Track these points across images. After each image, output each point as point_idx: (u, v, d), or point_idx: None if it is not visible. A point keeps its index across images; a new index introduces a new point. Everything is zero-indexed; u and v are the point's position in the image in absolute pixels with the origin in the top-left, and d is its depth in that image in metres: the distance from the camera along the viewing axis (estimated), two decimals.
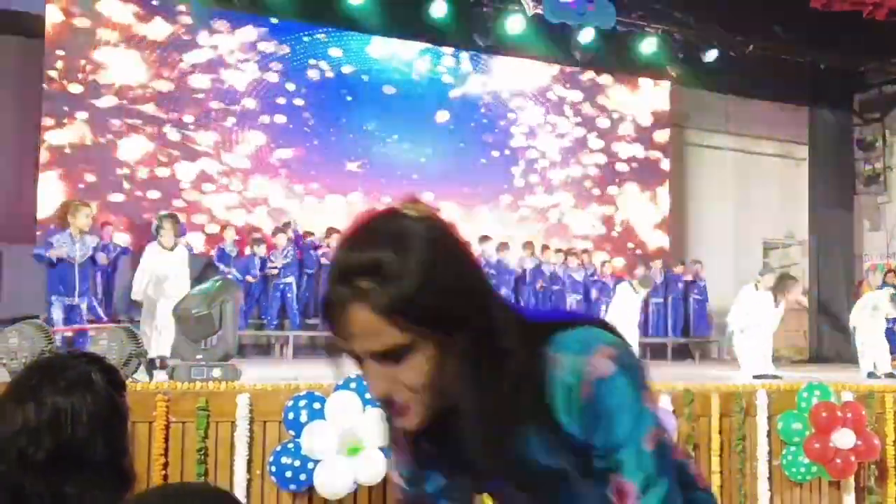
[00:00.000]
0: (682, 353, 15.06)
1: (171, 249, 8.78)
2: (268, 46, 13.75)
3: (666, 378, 8.83)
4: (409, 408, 1.29)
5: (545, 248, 14.51)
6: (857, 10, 11.43)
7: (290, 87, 13.87)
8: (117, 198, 12.61)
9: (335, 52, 14.24)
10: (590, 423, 1.28)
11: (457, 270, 1.27)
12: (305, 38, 14.04)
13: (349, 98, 14.22)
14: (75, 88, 12.44)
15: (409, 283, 1.21)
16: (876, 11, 11.36)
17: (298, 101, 13.91)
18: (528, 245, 14.53)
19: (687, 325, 15.24)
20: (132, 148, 12.77)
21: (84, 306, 8.71)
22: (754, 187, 17.27)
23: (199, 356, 5.87)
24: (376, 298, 1.21)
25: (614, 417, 1.28)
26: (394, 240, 1.24)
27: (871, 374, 9.64)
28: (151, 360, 7.39)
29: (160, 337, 8.19)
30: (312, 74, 14.05)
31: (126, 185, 12.71)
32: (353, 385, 5.37)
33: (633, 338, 11.20)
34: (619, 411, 1.28)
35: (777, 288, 10.11)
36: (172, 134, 13.05)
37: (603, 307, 13.65)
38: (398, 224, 1.26)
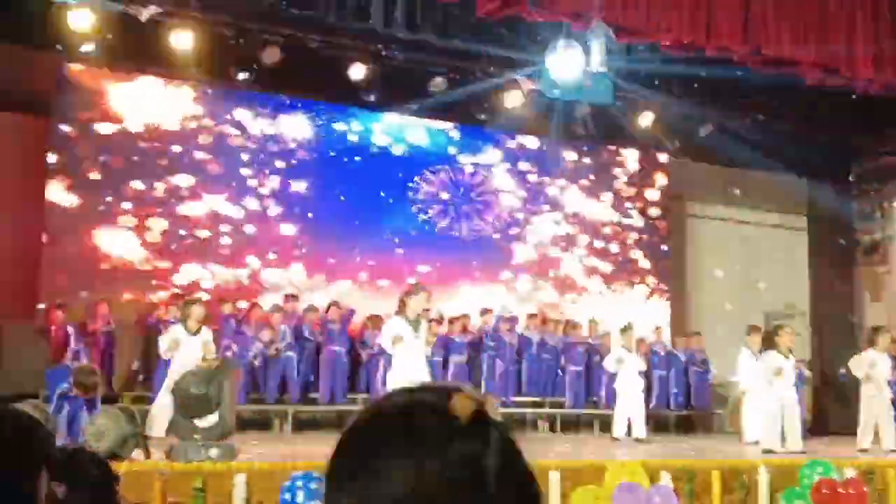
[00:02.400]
0: (685, 426, 14.94)
1: (195, 333, 8.84)
2: (263, 122, 13.98)
3: (669, 452, 8.81)
4: None
5: (545, 320, 14.55)
6: (849, 85, 11.59)
7: (280, 164, 14.00)
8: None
9: (334, 126, 14.44)
10: None
11: None
12: (303, 113, 14.26)
13: (345, 172, 14.35)
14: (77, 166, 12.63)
15: None
16: (870, 87, 11.53)
17: (296, 176, 14.06)
18: (532, 316, 14.57)
19: (689, 398, 15.17)
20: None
21: None
22: (755, 258, 17.32)
23: (196, 435, 5.85)
24: None
25: None
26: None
27: (863, 450, 9.51)
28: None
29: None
30: (308, 150, 14.21)
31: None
32: None
33: (637, 406, 11.16)
34: None
35: (767, 340, 10.10)
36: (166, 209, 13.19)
37: (604, 377, 13.63)
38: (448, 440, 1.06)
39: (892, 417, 10.05)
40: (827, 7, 10.59)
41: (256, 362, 12.30)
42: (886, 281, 17.02)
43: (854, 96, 12.48)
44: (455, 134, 15.29)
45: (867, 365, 10.15)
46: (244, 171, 13.72)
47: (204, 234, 13.33)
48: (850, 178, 17.36)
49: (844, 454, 8.38)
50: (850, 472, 6.94)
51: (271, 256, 13.75)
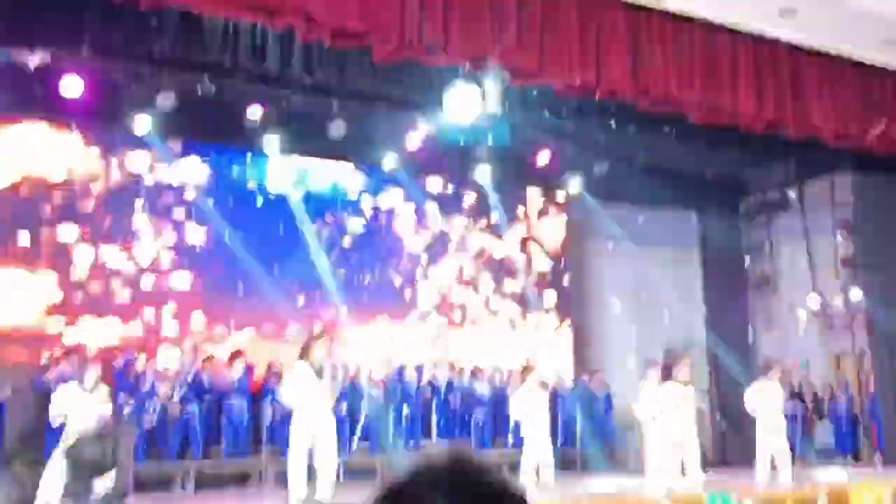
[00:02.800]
0: (591, 464, 15.02)
1: (92, 391, 8.51)
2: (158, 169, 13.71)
3: (577, 492, 8.84)
4: None
5: (452, 366, 14.59)
6: (734, 122, 11.97)
7: (176, 211, 13.72)
8: None
9: (233, 171, 14.25)
10: None
11: None
12: (199, 158, 14.03)
13: (244, 217, 14.12)
14: None
15: None
16: (753, 124, 11.92)
17: (193, 222, 13.79)
18: (439, 363, 14.57)
19: (595, 435, 15.31)
20: None
21: None
22: (652, 293, 17.68)
23: (91, 498, 5.60)
24: None
25: None
26: None
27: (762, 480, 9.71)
28: None
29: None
30: (206, 196, 13.96)
31: None
32: None
33: (544, 442, 11.16)
34: None
35: (665, 371, 10.27)
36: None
37: (511, 422, 13.66)
38: None
39: (787, 448, 10.29)
40: (714, 48, 10.93)
41: (154, 417, 11.89)
42: (777, 311, 17.58)
43: (740, 133, 12.93)
44: (355, 177, 15.24)
45: (758, 396, 10.39)
46: (137, 219, 13.38)
47: (95, 287, 12.92)
48: (741, 212, 17.94)
49: (744, 485, 8.53)
50: (749, 503, 7.07)
51: (168, 308, 13.39)
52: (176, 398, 12.05)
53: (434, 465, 1.30)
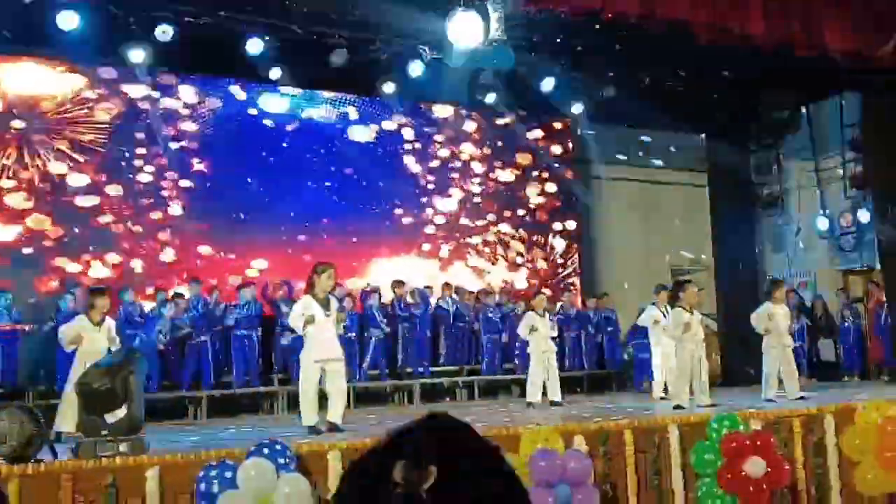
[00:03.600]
0: (598, 386, 15.23)
1: (99, 325, 8.60)
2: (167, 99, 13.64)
3: (584, 414, 8.96)
4: None
5: (458, 289, 14.66)
6: (743, 43, 11.81)
7: (177, 144, 13.68)
8: None
9: (235, 101, 14.16)
10: None
11: None
12: (206, 88, 13.95)
13: (247, 149, 14.10)
14: None
15: None
16: (761, 44, 11.77)
17: (196, 155, 13.76)
18: (446, 286, 14.63)
19: (602, 357, 15.48)
20: None
21: None
22: (659, 216, 17.70)
23: (104, 431, 5.71)
24: None
25: None
26: None
27: (769, 400, 9.80)
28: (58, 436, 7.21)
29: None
30: (209, 128, 13.91)
31: None
32: (265, 451, 5.30)
33: (551, 370, 11.30)
34: None
35: (673, 296, 10.33)
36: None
37: (517, 343, 13.79)
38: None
39: (794, 367, 10.38)
40: None
41: (164, 339, 12.04)
42: (785, 233, 17.56)
43: (748, 53, 12.75)
44: (358, 106, 15.14)
45: (767, 318, 10.43)
46: (139, 152, 13.35)
47: (104, 219, 12.96)
48: (750, 133, 17.78)
49: (751, 406, 8.62)
50: (756, 424, 7.15)
51: (170, 239, 13.44)
52: (186, 329, 12.18)
53: (411, 430, 1.36)
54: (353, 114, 15.10)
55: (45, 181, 12.61)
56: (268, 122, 14.37)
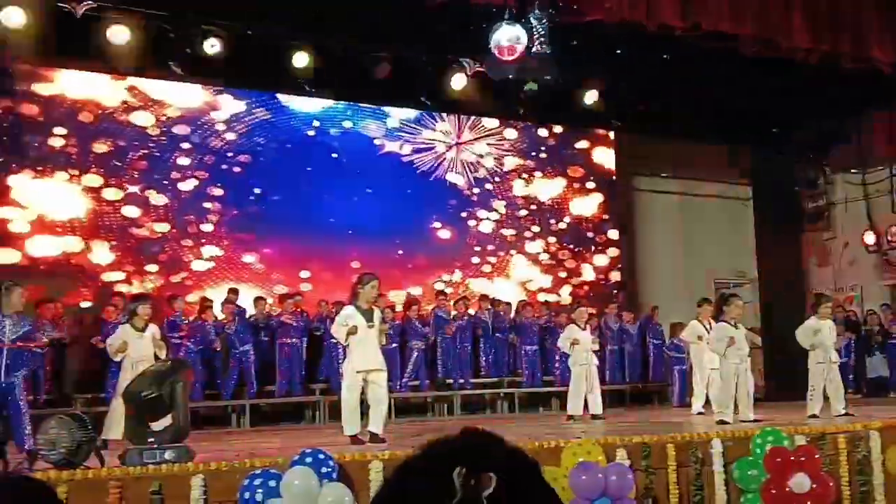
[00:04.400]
0: (640, 399, 15.14)
1: (142, 332, 8.72)
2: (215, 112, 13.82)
3: (625, 427, 8.92)
4: None
5: (494, 300, 14.67)
6: (790, 56, 11.73)
7: (230, 153, 13.86)
8: None
9: (279, 115, 14.31)
10: None
11: None
12: (249, 102, 14.12)
13: (296, 161, 14.26)
14: None
15: None
16: (808, 57, 11.68)
17: (239, 166, 13.91)
18: (485, 298, 14.65)
19: (646, 371, 15.38)
20: None
21: None
22: (703, 230, 17.56)
23: (150, 439, 5.80)
24: None
25: None
26: None
27: (813, 416, 9.67)
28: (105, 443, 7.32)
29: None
30: (256, 139, 14.07)
31: None
32: (308, 460, 5.35)
33: (592, 383, 11.27)
34: None
35: (717, 310, 10.23)
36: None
37: (557, 356, 13.76)
38: None
39: (840, 383, 10.23)
40: None
41: (217, 347, 12.22)
42: (831, 246, 17.35)
43: (795, 63, 12.65)
44: (401, 118, 15.23)
45: (812, 333, 10.31)
46: (181, 162, 13.52)
47: (143, 232, 13.14)
48: (794, 146, 17.62)
49: (796, 421, 8.53)
50: (801, 440, 7.07)
51: (216, 251, 13.61)
52: (231, 339, 12.33)
53: (447, 443, 1.36)
54: (394, 125, 15.18)
55: (89, 192, 12.80)
56: (311, 133, 14.49)
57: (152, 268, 13.08)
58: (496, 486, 1.30)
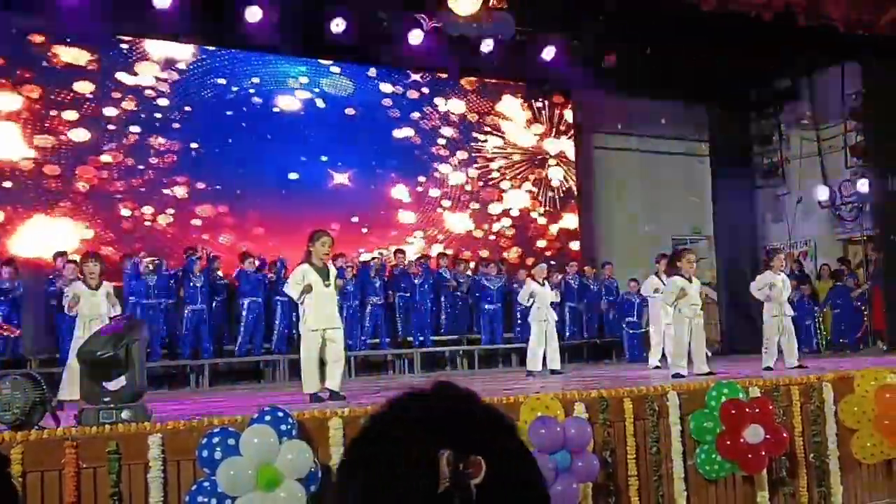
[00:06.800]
0: (598, 354, 15.30)
1: (96, 290, 8.60)
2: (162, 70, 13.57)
3: (583, 382, 9.00)
4: None
5: (455, 258, 14.68)
6: (746, 10, 11.76)
7: (186, 109, 13.64)
8: None
9: (236, 72, 14.10)
10: None
11: None
12: (203, 59, 13.88)
13: (248, 120, 14.08)
14: None
15: None
16: (763, 13, 11.73)
17: (191, 124, 13.70)
18: (443, 256, 14.64)
19: (602, 326, 15.53)
20: None
21: None
22: (660, 187, 17.67)
23: (106, 398, 5.73)
24: None
25: None
26: None
27: (767, 369, 9.83)
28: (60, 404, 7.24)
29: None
30: (210, 96, 13.86)
31: None
32: (267, 418, 5.33)
33: (551, 338, 11.35)
34: None
35: (671, 265, 10.32)
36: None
37: (518, 313, 13.84)
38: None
39: (793, 336, 10.40)
40: None
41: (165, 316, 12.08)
42: (786, 202, 17.56)
43: (750, 22, 12.69)
44: (358, 75, 15.07)
45: (766, 286, 10.45)
46: (134, 120, 13.32)
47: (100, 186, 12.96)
48: (750, 103, 17.75)
49: (750, 374, 8.66)
50: (755, 392, 7.18)
51: (175, 209, 13.45)
52: (187, 297, 12.21)
53: (421, 397, 1.28)
54: (349, 84, 15.01)
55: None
56: (256, 98, 14.25)
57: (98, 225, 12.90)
58: (460, 445, 1.21)
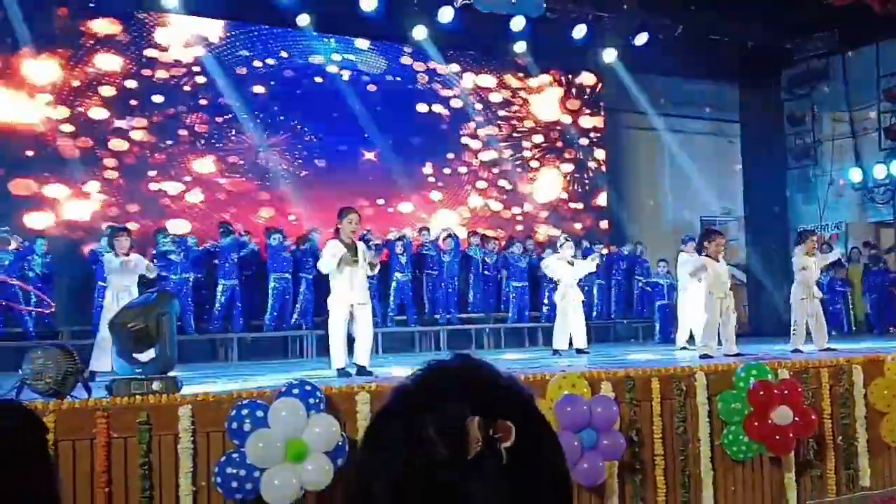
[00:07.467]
0: (626, 334, 15.25)
1: (127, 262, 8.75)
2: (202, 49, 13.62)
3: (610, 361, 8.99)
4: None
5: (483, 236, 14.65)
6: None
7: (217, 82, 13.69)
8: None
9: (267, 50, 14.11)
10: None
11: None
12: (239, 35, 13.91)
13: (288, 96, 14.11)
14: None
15: None
16: None
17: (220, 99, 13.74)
18: (473, 234, 14.63)
19: (631, 306, 15.46)
20: None
21: None
22: (690, 167, 17.52)
23: (137, 370, 5.80)
24: None
25: None
26: None
27: (796, 351, 9.76)
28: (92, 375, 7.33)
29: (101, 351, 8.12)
30: (245, 72, 13.90)
31: None
32: (295, 391, 5.37)
33: (578, 318, 11.29)
34: None
35: (699, 246, 10.25)
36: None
37: (546, 292, 13.80)
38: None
39: (823, 318, 10.32)
40: None
41: (195, 290, 12.15)
42: (817, 184, 17.38)
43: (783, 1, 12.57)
44: (388, 52, 15.04)
45: (797, 268, 10.37)
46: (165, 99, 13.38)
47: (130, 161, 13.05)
48: (783, 83, 17.55)
49: (779, 355, 8.61)
50: (784, 374, 7.14)
51: (204, 186, 13.53)
52: (221, 273, 12.29)
53: (444, 369, 1.29)
54: (379, 61, 14.98)
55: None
56: (287, 71, 14.27)
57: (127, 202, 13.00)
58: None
